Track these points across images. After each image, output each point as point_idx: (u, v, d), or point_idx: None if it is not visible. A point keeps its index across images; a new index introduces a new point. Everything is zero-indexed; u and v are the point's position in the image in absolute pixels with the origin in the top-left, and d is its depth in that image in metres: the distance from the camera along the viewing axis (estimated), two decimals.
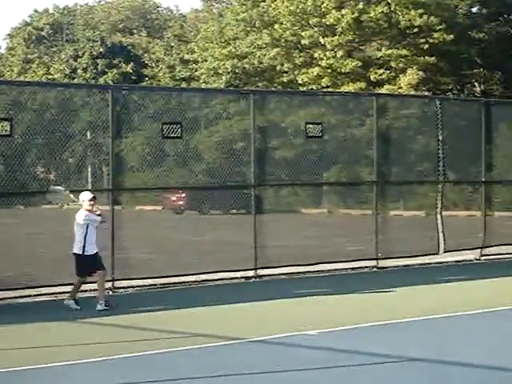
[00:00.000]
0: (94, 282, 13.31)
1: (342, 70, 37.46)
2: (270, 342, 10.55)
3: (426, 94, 35.77)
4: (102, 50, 55.03)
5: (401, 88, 36.26)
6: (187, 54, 48.42)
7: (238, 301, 13.70)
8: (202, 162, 18.84)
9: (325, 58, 37.45)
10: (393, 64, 37.59)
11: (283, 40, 39.07)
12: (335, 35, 37.39)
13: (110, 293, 14.55)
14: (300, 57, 39.05)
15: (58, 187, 13.40)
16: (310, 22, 37.95)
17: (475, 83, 42.11)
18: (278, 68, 40.15)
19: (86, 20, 69.62)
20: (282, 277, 16.65)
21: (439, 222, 19.20)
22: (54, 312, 12.71)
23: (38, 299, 13.92)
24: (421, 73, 36.74)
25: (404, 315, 12.33)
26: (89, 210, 12.92)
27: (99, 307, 12.86)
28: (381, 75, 37.51)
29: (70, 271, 13.20)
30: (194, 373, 9.03)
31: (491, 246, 19.82)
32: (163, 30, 63.64)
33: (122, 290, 14.83)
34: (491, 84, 41.88)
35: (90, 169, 17.70)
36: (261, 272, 16.54)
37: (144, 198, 20.56)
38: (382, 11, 36.85)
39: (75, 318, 12.18)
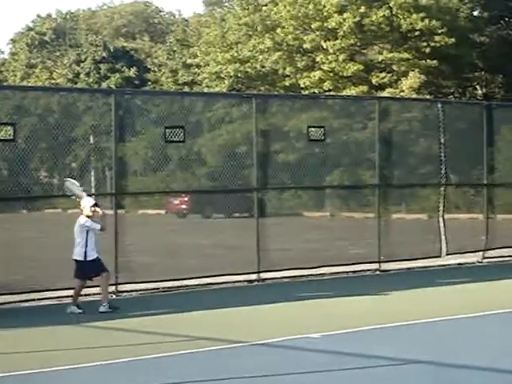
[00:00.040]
0: (98, 286, 13.36)
1: (344, 74, 37.50)
2: (272, 345, 10.57)
3: (428, 97, 35.79)
4: (104, 54, 55.13)
5: (402, 91, 36.29)
6: (190, 58, 48.50)
7: (241, 304, 13.72)
8: (204, 165, 18.91)
9: (327, 61, 37.50)
10: (394, 67, 37.63)
11: (285, 44, 39.13)
12: (337, 39, 37.44)
13: (114, 296, 14.60)
14: (302, 61, 39.10)
15: (75, 181, 13.42)
16: (312, 26, 38.00)
17: (477, 86, 42.12)
18: (280, 72, 40.20)
19: (89, 25, 69.77)
20: (285, 280, 16.68)
21: (441, 224, 19.22)
22: (58, 316, 12.75)
23: (41, 303, 13.95)
24: (422, 76, 36.76)
25: (407, 318, 12.36)
26: (89, 216, 12.96)
27: (102, 309, 12.91)
28: (382, 79, 37.55)
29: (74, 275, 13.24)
30: (197, 376, 9.07)
31: (493, 249, 19.83)
32: (166, 34, 63.74)
33: (125, 293, 14.86)
34: (493, 87, 41.90)
35: (93, 173, 17.75)
36: (264, 275, 16.57)
37: (147, 202, 20.62)
38: (384, 15, 36.90)
39: (79, 322, 12.22)
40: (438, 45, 36.93)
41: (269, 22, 40.02)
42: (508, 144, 21.27)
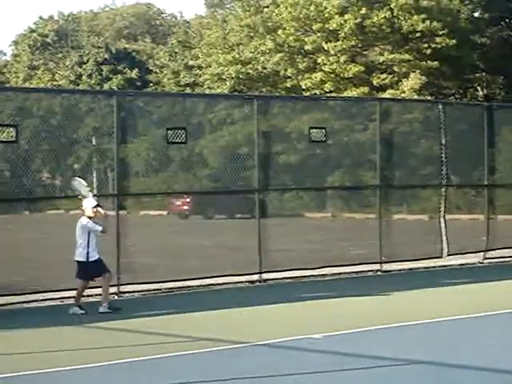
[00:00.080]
0: (100, 287, 13.41)
1: (345, 75, 37.53)
2: (274, 345, 10.60)
3: (429, 98, 35.83)
4: (106, 56, 55.19)
5: (404, 92, 36.32)
6: (191, 59, 48.55)
7: (243, 305, 13.75)
8: (206, 167, 18.95)
9: (328, 63, 37.53)
10: (395, 68, 37.66)
11: (286, 45, 39.17)
12: (338, 40, 37.47)
13: (116, 297, 14.65)
14: (303, 62, 39.14)
15: (83, 181, 13.45)
16: (313, 28, 38.04)
17: (478, 87, 42.15)
18: (281, 73, 40.24)
19: (91, 27, 69.85)
20: (287, 281, 16.71)
21: (442, 225, 19.25)
22: (61, 316, 12.78)
23: (44, 304, 13.99)
24: (423, 77, 36.78)
25: (408, 318, 12.39)
26: (91, 217, 13.01)
27: (102, 309, 12.97)
28: (384, 80, 37.58)
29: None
30: (199, 376, 9.10)
31: (494, 250, 19.86)
32: (167, 36, 63.80)
33: (127, 294, 14.90)
34: (494, 88, 41.92)
35: (95, 174, 17.80)
36: (265, 276, 16.60)
37: (149, 203, 20.67)
38: (385, 16, 36.93)
39: (81, 323, 12.26)
40: (438, 46, 36.95)
41: (270, 24, 40.06)
42: (509, 145, 21.30)
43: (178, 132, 15.73)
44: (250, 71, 40.96)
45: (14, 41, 69.74)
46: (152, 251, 16.36)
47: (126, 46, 61.90)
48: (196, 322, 12.48)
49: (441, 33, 36.88)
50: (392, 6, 37.16)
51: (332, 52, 37.49)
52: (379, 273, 17.98)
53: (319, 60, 37.98)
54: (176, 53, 53.87)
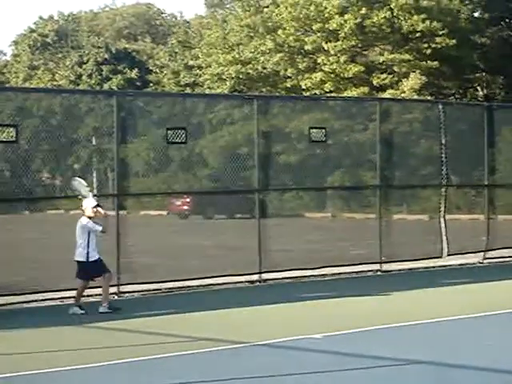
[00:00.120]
0: (100, 287, 13.42)
1: (345, 75, 37.54)
2: (274, 345, 10.60)
3: (429, 98, 35.84)
4: (106, 56, 55.20)
5: (404, 92, 36.32)
6: (191, 59, 48.56)
7: (243, 305, 13.76)
8: (206, 167, 18.95)
9: (328, 63, 37.54)
10: (396, 68, 37.67)
11: (286, 45, 39.17)
12: (338, 40, 37.48)
13: (116, 297, 14.65)
14: (303, 62, 39.15)
15: (83, 181, 13.44)
16: (313, 28, 38.05)
17: (478, 87, 42.16)
18: (281, 73, 40.24)
19: (91, 27, 69.87)
20: (287, 281, 16.72)
21: (442, 225, 19.26)
22: (61, 316, 12.79)
23: (44, 304, 13.99)
24: (423, 77, 36.79)
25: (408, 318, 12.39)
26: (91, 217, 13.02)
27: (102, 309, 12.98)
28: (384, 80, 37.59)
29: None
30: (199, 376, 9.11)
31: (494, 250, 19.87)
32: (167, 36, 63.81)
33: (127, 294, 14.91)
34: (494, 88, 41.93)
35: (95, 174, 17.80)
36: (265, 276, 16.61)
37: (149, 203, 20.67)
38: (385, 16, 36.93)
39: (81, 323, 12.27)
40: (438, 46, 36.96)
41: (270, 24, 40.06)
42: (509, 145, 21.31)
43: (177, 132, 15.74)
44: (250, 71, 40.96)
45: (14, 41, 69.80)
46: (152, 251, 16.36)
47: (126, 45, 61.93)
48: (196, 322, 12.49)
49: (441, 33, 36.89)
50: (392, 6, 37.17)
51: (332, 52, 37.50)
52: (379, 273, 17.99)
53: (319, 60, 37.98)
54: (176, 53, 53.88)
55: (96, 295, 13.77)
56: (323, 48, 37.76)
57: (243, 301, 14.16)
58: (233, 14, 47.61)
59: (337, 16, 37.18)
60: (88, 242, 12.96)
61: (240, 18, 42.67)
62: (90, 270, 13.03)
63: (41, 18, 70.03)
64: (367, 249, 18.28)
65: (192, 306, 13.67)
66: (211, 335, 11.15)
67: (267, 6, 41.39)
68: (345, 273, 17.50)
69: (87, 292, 13.48)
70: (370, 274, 17.86)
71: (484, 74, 40.91)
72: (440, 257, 19.07)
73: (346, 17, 36.96)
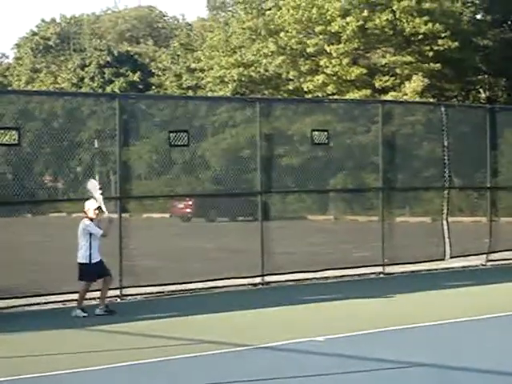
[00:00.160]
0: (100, 290, 13.44)
1: (348, 78, 37.54)
2: (277, 348, 10.60)
3: (431, 100, 35.83)
4: (108, 59, 55.25)
5: (406, 95, 36.33)
6: (193, 62, 48.58)
7: (245, 307, 13.75)
8: (208, 169, 18.93)
9: (330, 65, 37.55)
10: (398, 71, 37.67)
11: (289, 48, 39.19)
12: (340, 43, 37.49)
13: (118, 300, 14.66)
14: (305, 64, 39.16)
15: (97, 183, 13.44)
16: (316, 30, 38.06)
17: (480, 90, 42.16)
18: (283, 76, 40.26)
19: (93, 29, 69.95)
20: (289, 283, 16.71)
21: (445, 227, 19.25)
22: (63, 319, 12.79)
23: (46, 307, 14.00)
24: (426, 79, 36.80)
25: (411, 321, 12.38)
26: (92, 219, 13.02)
27: (98, 312, 13.00)
28: (386, 82, 37.60)
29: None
30: (202, 379, 9.10)
31: (497, 252, 19.85)
32: (169, 38, 63.85)
33: (130, 297, 14.91)
34: (496, 90, 41.93)
35: (97, 177, 17.76)
36: (268, 279, 16.60)
37: (151, 206, 20.65)
38: (387, 19, 36.94)
39: (84, 326, 12.27)
40: (441, 48, 36.96)
41: (272, 26, 40.08)
42: (511, 147, 21.29)
43: (180, 135, 15.74)
44: (252, 74, 40.99)
45: (17, 44, 69.93)
46: (154, 254, 16.36)
47: (128, 48, 61.99)
48: (198, 324, 12.48)
49: (443, 35, 36.89)
50: (394, 9, 37.17)
51: (334, 54, 37.50)
52: (382, 275, 17.97)
53: (321, 62, 37.99)
54: (178, 55, 53.92)
55: (99, 298, 13.75)
56: (325, 50, 37.77)
57: (246, 303, 14.15)
58: (235, 17, 47.65)
59: (339, 18, 37.19)
60: (90, 243, 12.98)
61: (242, 21, 42.69)
62: (92, 272, 13.04)
63: (43, 20, 70.18)
64: (370, 251, 18.27)
65: (194, 309, 13.67)
66: (214, 338, 11.14)
67: (269, 9, 41.41)
68: (347, 275, 17.49)
69: (89, 295, 13.48)
70: (372, 276, 17.85)
71: (486, 76, 40.91)
72: (443, 259, 19.06)
73: (348, 19, 36.97)
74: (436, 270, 18.72)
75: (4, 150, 15.35)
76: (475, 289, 16.04)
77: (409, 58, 37.25)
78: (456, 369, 9.48)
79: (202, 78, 45.90)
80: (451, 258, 19.12)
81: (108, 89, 52.17)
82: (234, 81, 41.23)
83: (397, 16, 37.28)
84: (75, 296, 13.36)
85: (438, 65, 36.98)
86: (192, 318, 12.96)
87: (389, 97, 35.81)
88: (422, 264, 18.66)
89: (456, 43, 36.88)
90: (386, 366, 9.55)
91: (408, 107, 22.82)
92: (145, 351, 10.46)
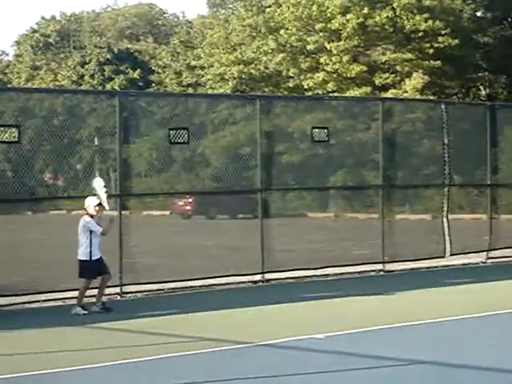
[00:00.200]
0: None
1: (348, 75, 37.52)
2: (277, 345, 10.60)
3: (431, 97, 35.81)
4: (108, 56, 55.19)
5: (406, 92, 36.31)
6: (194, 59, 48.54)
7: (246, 305, 13.75)
8: (208, 167, 18.94)
9: (330, 62, 37.52)
10: (398, 68, 37.65)
11: (289, 45, 39.17)
12: (340, 40, 37.46)
13: (119, 297, 14.66)
14: (306, 62, 39.13)
15: (102, 182, 13.45)
16: (316, 27, 38.03)
17: (480, 87, 42.13)
18: (283, 73, 40.24)
19: (93, 27, 69.88)
20: (289, 281, 16.71)
21: (445, 225, 19.25)
22: (63, 317, 12.79)
23: (46, 304, 13.99)
24: (426, 77, 36.78)
25: (411, 318, 12.38)
26: (92, 216, 13.03)
27: (94, 309, 13.00)
28: (386, 79, 37.58)
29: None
30: (202, 377, 9.10)
31: (497, 249, 19.85)
32: (170, 36, 63.80)
33: (130, 294, 14.91)
34: (496, 88, 41.90)
35: (97, 174, 17.77)
36: (268, 276, 16.60)
37: (152, 203, 20.67)
38: (387, 16, 36.92)
39: (84, 323, 12.27)
40: (441, 45, 36.94)
41: (272, 24, 40.06)
42: (511, 144, 21.29)
43: (180, 132, 15.73)
44: (253, 71, 40.96)
45: (17, 41, 69.85)
46: (154, 251, 16.37)
47: (129, 46, 61.94)
48: (199, 322, 12.48)
49: (443, 32, 36.87)
50: (394, 6, 37.15)
51: (334, 52, 37.48)
52: (382, 273, 17.98)
53: (321, 60, 37.97)
54: (178, 53, 53.88)
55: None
56: (325, 48, 37.74)
57: (246, 301, 14.16)
58: (235, 14, 47.61)
59: (339, 16, 37.16)
60: (91, 240, 12.98)
61: (242, 18, 42.66)
62: (93, 269, 13.04)
63: (43, 18, 70.11)
64: (370, 249, 18.27)
65: (195, 307, 13.67)
66: (214, 335, 11.14)
67: (269, 6, 41.38)
68: (347, 273, 17.49)
69: (89, 292, 13.48)
70: (372, 273, 17.85)
71: (486, 73, 40.87)
72: (443, 256, 19.05)
73: (349, 16, 36.94)
74: (436, 267, 18.71)
75: (4, 148, 15.35)
76: (475, 286, 16.03)
77: (409, 56, 37.23)
78: (456, 366, 9.48)
79: (202, 76, 45.88)
80: (451, 255, 19.12)
81: (108, 86, 52.13)
82: (234, 78, 41.21)
83: (397, 13, 37.25)
84: (75, 293, 13.36)
85: (438, 62, 36.95)
86: (192, 316, 12.96)
87: (389, 94, 35.79)
88: (422, 261, 18.66)
89: (456, 40, 36.86)
90: (386, 364, 9.55)
91: (408, 104, 22.82)
92: (145, 348, 10.46)
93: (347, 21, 36.89)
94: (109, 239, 13.66)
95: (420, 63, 37.18)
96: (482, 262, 19.60)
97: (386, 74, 37.79)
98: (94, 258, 13.02)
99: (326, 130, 17.69)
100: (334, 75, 37.79)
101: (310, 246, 18.39)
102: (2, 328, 11.87)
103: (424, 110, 21.53)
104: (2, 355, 10.23)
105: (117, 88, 49.72)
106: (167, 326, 11.94)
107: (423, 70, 36.92)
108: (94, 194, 13.24)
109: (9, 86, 55.27)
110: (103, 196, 13.17)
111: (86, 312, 12.94)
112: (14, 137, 13.99)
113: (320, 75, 37.85)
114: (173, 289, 15.39)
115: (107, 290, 13.88)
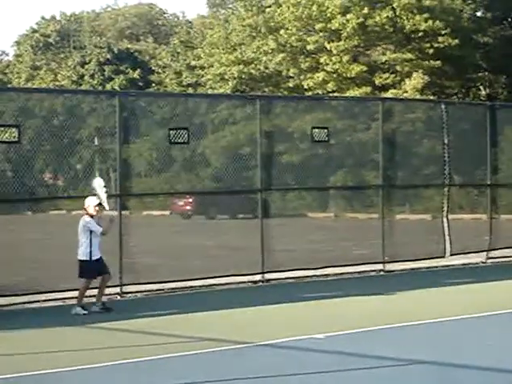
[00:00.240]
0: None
1: (348, 75, 37.52)
2: (277, 345, 10.59)
3: (431, 97, 35.81)
4: (108, 56, 55.19)
5: (406, 92, 36.31)
6: (193, 59, 48.55)
7: (246, 305, 13.75)
8: (208, 167, 18.94)
9: (330, 62, 37.52)
10: (398, 68, 37.65)
11: (289, 45, 39.17)
12: (340, 40, 37.46)
13: (119, 297, 14.66)
14: (306, 62, 39.14)
15: (102, 182, 13.45)
16: (316, 28, 38.03)
17: (480, 87, 42.13)
18: (283, 73, 40.24)
19: (93, 27, 69.87)
20: (289, 281, 16.71)
21: (445, 225, 19.25)
22: (63, 317, 12.79)
23: (46, 304, 13.99)
24: (426, 77, 36.78)
25: (411, 318, 12.38)
26: (92, 216, 13.03)
27: (95, 308, 13.00)
28: (386, 79, 37.58)
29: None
30: (202, 377, 9.10)
31: (497, 249, 19.85)
32: (170, 36, 63.80)
33: (130, 294, 14.91)
34: (496, 88, 41.90)
35: (97, 174, 17.78)
36: (268, 276, 16.60)
37: (152, 203, 20.67)
38: (387, 16, 36.91)
39: (84, 323, 12.26)
40: (441, 45, 36.94)
41: (272, 24, 40.06)
42: (511, 144, 21.29)
43: (180, 132, 15.73)
44: (253, 71, 40.96)
45: (17, 41, 69.84)
46: (154, 251, 16.36)
47: (129, 46, 61.93)
48: (199, 322, 12.48)
49: (443, 32, 36.87)
50: (394, 6, 37.15)
51: (334, 52, 37.48)
52: (382, 273, 17.97)
53: (321, 60, 37.97)
54: (178, 53, 53.88)
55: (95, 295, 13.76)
56: (325, 48, 37.74)
57: (246, 301, 14.15)
58: (235, 14, 47.61)
59: (339, 16, 37.16)
60: (91, 240, 12.98)
61: (242, 18, 42.66)
62: (93, 269, 13.04)
63: (43, 18, 70.10)
64: (370, 249, 18.26)
65: (195, 307, 13.67)
66: (214, 335, 11.14)
67: (269, 6, 41.38)
68: (347, 273, 17.48)
69: (89, 292, 13.48)
70: (372, 273, 17.85)
71: (487, 73, 40.87)
72: (443, 256, 19.05)
73: (349, 16, 36.94)
74: (436, 267, 18.71)
75: (4, 148, 15.35)
76: (475, 286, 16.03)
77: (409, 56, 37.23)
78: (456, 366, 9.48)
79: (202, 76, 45.87)
80: (451, 255, 19.12)
81: (108, 86, 52.13)
82: (234, 78, 41.21)
83: (397, 13, 37.25)
84: (75, 293, 13.35)
85: (438, 62, 36.95)
86: (192, 316, 12.96)
87: (389, 94, 35.78)
88: (422, 261, 18.65)
89: (456, 40, 36.86)
90: (386, 364, 9.54)
91: (408, 104, 22.82)
92: (145, 349, 10.46)
93: (347, 21, 36.89)
94: (109, 239, 13.66)
95: (420, 63, 37.18)
96: (482, 262, 19.59)
97: (386, 74, 37.79)
98: (94, 257, 13.02)
99: (325, 130, 17.69)
100: (334, 75, 37.79)
101: (310, 246, 18.39)
102: (2, 328, 11.86)
103: (424, 110, 21.53)
104: (2, 355, 10.23)
105: (117, 88, 49.72)
106: (167, 326, 11.94)
107: (423, 70, 36.92)
108: (94, 194, 13.24)
109: (9, 85, 55.26)
110: (103, 196, 13.18)
111: (86, 312, 12.94)
112: (14, 137, 13.99)
113: (320, 75, 37.85)
114: (173, 289, 15.38)
115: (107, 290, 13.88)
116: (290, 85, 39.94)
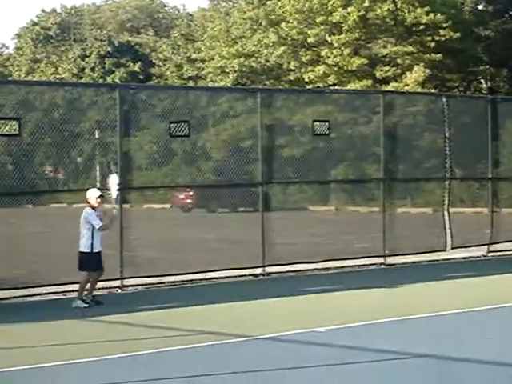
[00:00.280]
0: (102, 280, 13.45)
1: (349, 68, 37.46)
2: (277, 339, 10.59)
3: (433, 91, 35.75)
4: (109, 49, 55.11)
5: (407, 85, 36.25)
6: (194, 52, 48.47)
7: (246, 298, 13.74)
8: (209, 160, 18.91)
9: (331, 55, 37.46)
10: (399, 61, 37.58)
11: (290, 38, 39.09)
12: (341, 33, 37.39)
13: (119, 291, 14.66)
14: (306, 55, 39.07)
15: (117, 179, 13.46)
16: (317, 20, 37.95)
17: (481, 80, 42.06)
18: (284, 66, 40.17)
19: (94, 19, 69.79)
20: (290, 274, 16.70)
21: (446, 218, 19.23)
22: (64, 310, 12.78)
23: (46, 298, 13.98)
24: (427, 70, 36.71)
25: (411, 312, 12.37)
26: (94, 208, 13.01)
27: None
28: (387, 72, 37.52)
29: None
30: (202, 370, 9.09)
31: (498, 243, 19.84)
32: (170, 29, 63.71)
33: (130, 288, 14.91)
34: (497, 81, 41.84)
35: (98, 168, 17.77)
36: (269, 269, 16.59)
37: (152, 197, 20.64)
38: (388, 9, 36.83)
39: (84, 316, 12.26)
40: (442, 39, 36.87)
41: (273, 17, 39.98)
42: None
43: (180, 125, 15.70)
44: (253, 64, 40.89)
45: (17, 34, 69.75)
46: (155, 245, 16.35)
47: (129, 39, 61.85)
48: (199, 315, 12.47)
49: (444, 25, 36.79)
50: None
51: (335, 45, 37.41)
52: (383, 266, 17.96)
53: (322, 53, 37.90)
54: (179, 46, 53.80)
55: (100, 288, 13.77)
56: (326, 41, 37.67)
57: (246, 294, 14.14)
58: (236, 7, 47.53)
59: (340, 9, 37.09)
60: (92, 232, 12.95)
61: (243, 11, 42.59)
62: (93, 261, 13.02)
63: (43, 11, 69.99)
64: (371, 242, 18.25)
65: (195, 300, 13.66)
66: (214, 329, 11.13)
67: None
68: (348, 266, 17.48)
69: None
70: (373, 267, 17.84)
71: (488, 66, 40.80)
72: (444, 250, 19.04)
73: (350, 9, 36.86)
74: (437, 260, 18.70)
75: (4, 141, 15.33)
76: (476, 280, 16.02)
77: (410, 49, 37.16)
78: (457, 360, 9.47)
79: (203, 69, 45.81)
80: (452, 248, 19.11)
81: (108, 79, 52.07)
82: (235, 71, 41.14)
83: (398, 6, 37.16)
84: (76, 287, 13.34)
85: (440, 55, 36.88)
86: (192, 309, 12.95)
87: (390, 87, 35.73)
88: (423, 255, 18.64)
89: (457, 34, 36.78)
90: (387, 357, 9.53)
91: (409, 98, 22.78)
92: (145, 342, 10.45)
93: (348, 14, 36.81)
94: (109, 232, 13.64)
95: (421, 56, 37.11)
96: (483, 256, 19.58)
97: (387, 67, 37.72)
98: (95, 250, 13.00)
99: (326, 124, 17.66)
100: (335, 68, 37.73)
101: (310, 239, 18.37)
102: (2, 321, 11.85)
103: (425, 103, 21.49)
104: (2, 348, 10.22)
105: (117, 81, 49.66)
106: (167, 320, 11.93)
107: (424, 64, 36.85)
108: (100, 189, 13.27)
109: (9, 78, 55.20)
110: (114, 193, 13.23)
111: (86, 305, 12.93)
112: (15, 130, 13.97)
113: (321, 68, 37.78)
114: (173, 282, 15.38)
115: (108, 283, 13.87)
116: (291, 78, 39.88)
